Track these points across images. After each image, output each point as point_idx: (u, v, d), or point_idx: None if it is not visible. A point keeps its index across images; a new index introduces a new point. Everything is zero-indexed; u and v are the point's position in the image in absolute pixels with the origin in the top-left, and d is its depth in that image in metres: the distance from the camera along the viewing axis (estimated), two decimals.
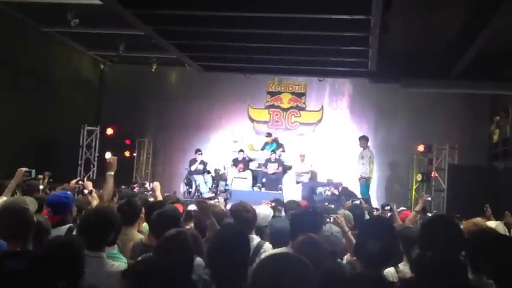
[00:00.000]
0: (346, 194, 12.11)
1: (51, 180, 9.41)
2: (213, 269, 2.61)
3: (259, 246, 4.15)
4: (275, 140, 14.53)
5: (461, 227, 5.21)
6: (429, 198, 7.51)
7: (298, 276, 1.85)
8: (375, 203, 12.09)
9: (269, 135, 14.58)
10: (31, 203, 4.03)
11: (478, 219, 6.15)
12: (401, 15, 6.97)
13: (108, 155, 14.05)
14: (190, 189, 13.48)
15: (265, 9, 6.77)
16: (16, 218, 3.09)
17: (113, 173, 4.45)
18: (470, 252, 2.84)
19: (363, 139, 12.22)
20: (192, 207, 4.32)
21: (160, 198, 5.57)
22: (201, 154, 13.70)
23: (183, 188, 13.79)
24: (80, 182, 5.96)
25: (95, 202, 4.98)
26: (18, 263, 2.85)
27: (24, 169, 4.97)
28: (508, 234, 5.37)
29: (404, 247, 3.74)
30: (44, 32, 12.40)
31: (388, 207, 5.93)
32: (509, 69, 7.95)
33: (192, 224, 4.64)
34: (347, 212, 5.62)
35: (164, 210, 4.04)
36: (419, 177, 13.61)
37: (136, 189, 11.97)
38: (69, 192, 4.51)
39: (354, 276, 2.69)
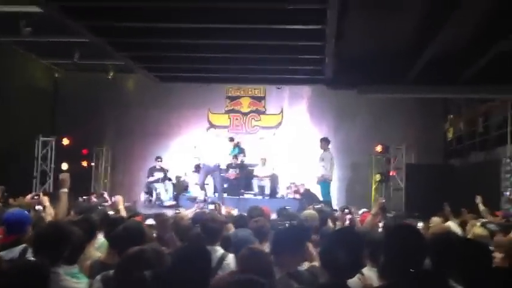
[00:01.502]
0: (308, 196, 12.22)
1: (5, 193, 9.09)
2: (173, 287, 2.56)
3: (222, 258, 4.13)
4: (237, 145, 14.49)
5: (420, 225, 5.34)
6: (383, 201, 7.72)
7: None
8: (335, 205, 12.23)
9: (231, 139, 14.53)
10: None
11: (437, 220, 6.33)
12: (356, 22, 7.05)
13: (64, 166, 13.71)
14: (151, 198, 13.31)
15: (220, 20, 6.73)
16: None
17: (66, 190, 4.36)
18: (437, 258, 2.90)
19: (324, 141, 12.34)
20: (150, 221, 4.23)
21: (123, 212, 5.45)
22: (161, 161, 13.54)
23: (143, 196, 13.59)
24: (36, 197, 5.76)
25: (48, 218, 4.83)
26: None
27: None
28: (461, 232, 5.53)
29: (369, 252, 3.79)
30: None
31: (347, 211, 6.00)
32: (464, 73, 8.16)
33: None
34: (313, 212, 5.66)
35: (129, 225, 3.95)
36: (378, 177, 13.86)
37: (94, 200, 11.71)
38: (25, 212, 4.35)
39: (319, 287, 2.71)
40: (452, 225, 5.49)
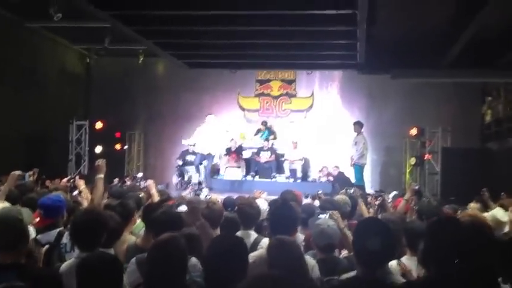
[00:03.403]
0: (341, 179, 12.08)
1: (43, 176, 9.24)
2: (209, 280, 2.52)
3: (256, 242, 4.11)
4: (268, 128, 14.42)
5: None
6: (416, 187, 7.55)
7: None
8: (369, 189, 12.07)
9: (264, 123, 14.48)
10: (26, 215, 3.93)
11: (475, 205, 6.13)
12: (389, 5, 6.85)
13: (98, 149, 13.92)
14: (183, 181, 13.41)
15: (251, 7, 6.63)
16: (9, 229, 3.01)
17: (102, 175, 4.40)
18: (476, 255, 2.78)
19: (357, 125, 12.16)
20: (183, 207, 4.23)
21: (155, 197, 5.48)
22: (194, 145, 13.56)
23: (175, 179, 13.70)
24: (72, 181, 5.83)
25: (85, 203, 4.88)
26: (9, 275, 2.76)
27: (17, 173, 4.88)
28: (508, 218, 5.30)
29: (408, 241, 3.69)
30: (27, 27, 12.14)
31: (380, 198, 5.90)
32: (502, 56, 7.84)
33: None
34: (344, 197, 5.57)
35: (168, 211, 3.99)
36: (412, 161, 13.58)
37: (128, 183, 11.87)
38: (62, 196, 4.41)
39: (348, 282, 2.65)
40: (500, 213, 5.25)
